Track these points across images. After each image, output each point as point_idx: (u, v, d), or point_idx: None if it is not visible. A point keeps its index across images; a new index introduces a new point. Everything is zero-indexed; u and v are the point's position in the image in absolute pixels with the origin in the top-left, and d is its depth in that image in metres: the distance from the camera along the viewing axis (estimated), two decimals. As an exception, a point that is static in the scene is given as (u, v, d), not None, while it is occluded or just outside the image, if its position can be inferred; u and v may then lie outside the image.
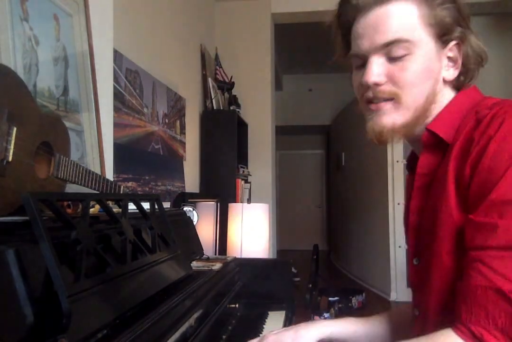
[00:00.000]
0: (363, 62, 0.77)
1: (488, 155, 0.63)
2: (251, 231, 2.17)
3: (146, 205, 0.96)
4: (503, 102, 0.70)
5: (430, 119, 0.77)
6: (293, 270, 1.68)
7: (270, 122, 3.85)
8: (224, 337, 1.11)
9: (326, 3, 4.01)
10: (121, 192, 1.09)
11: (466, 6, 0.75)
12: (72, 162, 0.93)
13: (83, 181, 0.95)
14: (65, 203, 0.80)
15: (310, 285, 3.68)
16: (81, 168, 0.95)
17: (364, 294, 3.99)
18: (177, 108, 2.59)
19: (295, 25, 4.32)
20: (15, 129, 0.76)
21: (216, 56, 3.63)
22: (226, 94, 3.44)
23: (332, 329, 0.86)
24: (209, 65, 3.38)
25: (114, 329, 0.63)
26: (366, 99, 0.77)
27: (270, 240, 2.41)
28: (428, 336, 0.65)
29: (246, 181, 3.51)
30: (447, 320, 0.66)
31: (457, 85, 0.78)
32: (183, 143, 2.68)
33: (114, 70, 1.74)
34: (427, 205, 0.76)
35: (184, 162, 2.68)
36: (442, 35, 0.74)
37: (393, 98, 0.75)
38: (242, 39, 3.83)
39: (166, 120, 2.40)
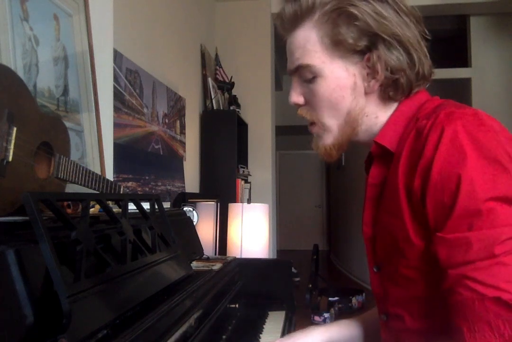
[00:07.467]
0: None
1: (435, 170, 0.62)
2: (251, 231, 2.17)
3: (146, 205, 0.96)
4: (440, 109, 0.67)
5: (377, 130, 0.77)
6: (293, 270, 1.68)
7: (270, 122, 3.85)
8: (224, 337, 1.11)
9: (326, 3, 4.02)
10: (121, 192, 1.09)
11: (390, 13, 0.70)
12: (72, 162, 0.93)
13: (83, 181, 0.95)
14: (65, 203, 0.80)
15: (310, 285, 3.68)
16: (81, 168, 0.95)
17: (364, 294, 3.99)
18: (177, 108, 2.59)
19: (295, 25, 4.32)
20: (15, 129, 0.76)
21: (216, 56, 3.63)
22: (226, 94, 3.44)
23: (327, 336, 0.86)
24: (209, 65, 3.38)
25: (114, 329, 0.63)
26: None
27: (270, 240, 2.41)
28: None
29: (246, 181, 3.51)
30: (415, 326, 0.66)
31: (392, 96, 0.75)
32: (183, 143, 2.68)
33: (114, 70, 1.74)
34: (379, 216, 0.75)
35: (184, 162, 2.68)
36: (350, 52, 0.73)
37: (315, 122, 0.78)
38: (242, 39, 3.83)
39: (166, 120, 2.40)
